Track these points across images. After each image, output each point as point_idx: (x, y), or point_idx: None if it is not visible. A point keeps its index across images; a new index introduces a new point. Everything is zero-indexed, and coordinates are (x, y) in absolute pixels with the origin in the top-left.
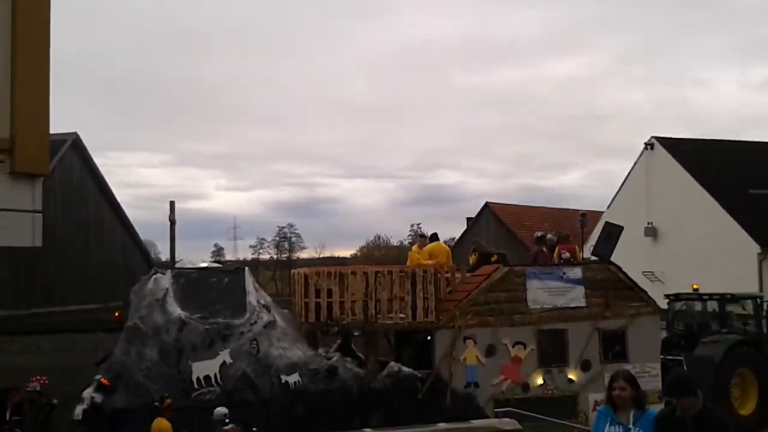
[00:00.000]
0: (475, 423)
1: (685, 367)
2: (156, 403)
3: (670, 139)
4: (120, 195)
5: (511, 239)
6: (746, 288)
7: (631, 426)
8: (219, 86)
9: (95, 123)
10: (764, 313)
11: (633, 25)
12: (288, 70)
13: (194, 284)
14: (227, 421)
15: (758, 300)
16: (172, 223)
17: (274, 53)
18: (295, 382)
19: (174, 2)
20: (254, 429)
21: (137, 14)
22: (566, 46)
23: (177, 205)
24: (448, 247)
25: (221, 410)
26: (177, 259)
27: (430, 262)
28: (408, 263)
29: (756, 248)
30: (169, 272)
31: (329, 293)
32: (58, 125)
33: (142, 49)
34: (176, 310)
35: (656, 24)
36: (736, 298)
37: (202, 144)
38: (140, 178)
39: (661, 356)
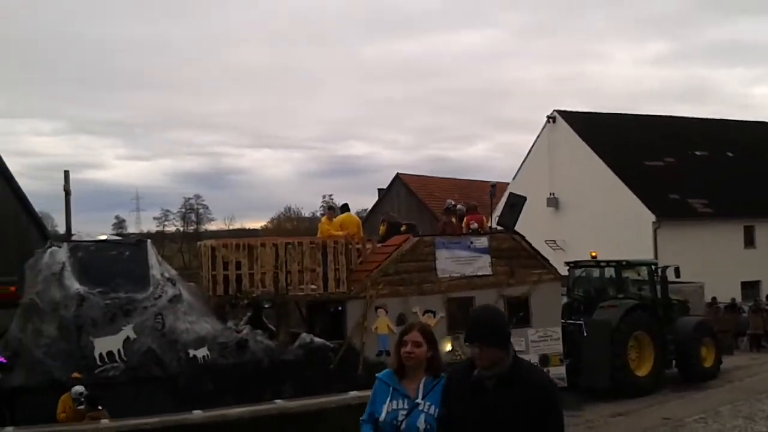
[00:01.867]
0: None
1: (584, 332)
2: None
3: (571, 112)
4: (11, 165)
5: (421, 209)
6: (642, 255)
7: (420, 400)
8: (114, 50)
9: None
10: (658, 278)
11: (532, 1)
12: (188, 35)
13: (93, 257)
14: (82, 399)
15: (652, 266)
16: (67, 193)
17: (173, 16)
18: (203, 357)
19: None
20: (100, 407)
21: None
22: (468, 19)
23: (73, 176)
24: (358, 218)
25: (78, 389)
26: (73, 231)
27: (340, 233)
28: (318, 235)
29: (651, 217)
30: (65, 245)
31: (238, 266)
32: None
33: (29, 10)
34: (74, 285)
35: (555, 0)
36: (631, 265)
37: (97, 110)
38: (32, 147)
39: (562, 321)
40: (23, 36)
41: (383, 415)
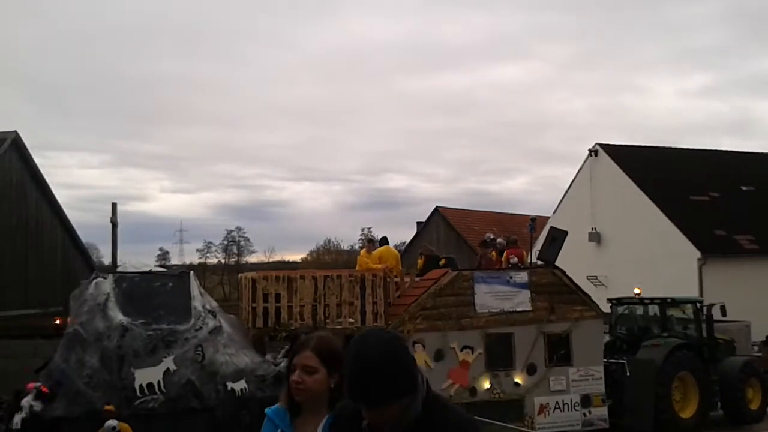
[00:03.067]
0: None
1: (627, 372)
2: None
3: (614, 146)
4: (60, 196)
5: (460, 243)
6: (687, 292)
7: None
8: (157, 85)
9: (30, 122)
10: (703, 317)
11: (573, 34)
12: (228, 71)
13: (137, 289)
14: None
15: (697, 304)
16: (114, 225)
17: (214, 53)
18: (241, 389)
19: (113, 0)
20: None
21: (74, 12)
22: (508, 53)
23: (119, 207)
24: (397, 251)
25: (111, 423)
26: (119, 262)
27: (379, 266)
28: (357, 267)
29: (696, 254)
30: (110, 276)
31: (277, 298)
32: None
33: (78, 47)
34: (118, 316)
35: (595, 33)
36: (676, 303)
37: (143, 144)
38: (80, 179)
39: (604, 360)
40: (72, 72)
41: None
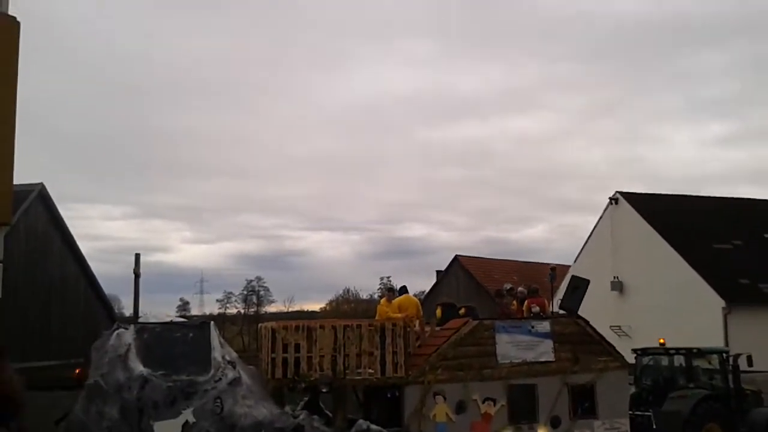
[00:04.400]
0: None
1: (654, 424)
2: None
3: (634, 194)
4: (83, 247)
5: (480, 292)
6: (712, 342)
7: None
8: (179, 138)
9: (54, 175)
10: (730, 367)
11: (589, 84)
12: (247, 125)
13: (158, 339)
14: None
15: (724, 354)
16: (137, 276)
17: (234, 107)
18: None
19: (134, 56)
20: None
21: (97, 67)
22: (525, 103)
23: (141, 258)
24: (417, 300)
25: None
26: (141, 313)
27: (399, 315)
28: (377, 317)
29: (721, 303)
30: (132, 327)
31: (297, 348)
32: (18, 175)
33: (100, 102)
34: (138, 367)
35: (612, 83)
36: (702, 353)
37: (165, 196)
38: (103, 231)
39: (630, 412)
40: (96, 129)
41: None
